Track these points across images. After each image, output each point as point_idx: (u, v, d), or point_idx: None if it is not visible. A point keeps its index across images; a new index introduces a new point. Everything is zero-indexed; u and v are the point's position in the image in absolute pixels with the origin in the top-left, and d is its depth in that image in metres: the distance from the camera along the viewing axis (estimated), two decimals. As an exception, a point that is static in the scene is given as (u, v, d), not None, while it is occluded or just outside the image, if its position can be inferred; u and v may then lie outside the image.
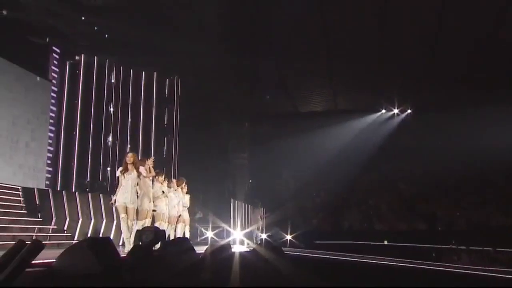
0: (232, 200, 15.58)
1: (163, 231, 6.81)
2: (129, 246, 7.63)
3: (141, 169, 8.26)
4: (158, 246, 6.01)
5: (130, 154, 8.35)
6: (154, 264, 4.57)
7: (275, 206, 19.65)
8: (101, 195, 13.11)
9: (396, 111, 22.65)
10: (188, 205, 11.02)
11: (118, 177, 8.31)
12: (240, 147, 20.32)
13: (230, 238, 11.20)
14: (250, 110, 21.21)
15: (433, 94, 19.84)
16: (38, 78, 13.25)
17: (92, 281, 3.28)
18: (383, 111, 22.78)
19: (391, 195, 21.51)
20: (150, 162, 8.77)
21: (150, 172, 8.74)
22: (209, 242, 6.01)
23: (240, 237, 13.55)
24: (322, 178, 21.71)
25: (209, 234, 13.71)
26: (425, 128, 21.47)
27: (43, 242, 5.99)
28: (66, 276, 3.32)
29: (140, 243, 5.75)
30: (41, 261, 4.50)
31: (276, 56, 17.02)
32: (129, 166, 8.19)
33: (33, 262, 3.14)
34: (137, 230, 6.59)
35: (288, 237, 17.35)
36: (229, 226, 14.18)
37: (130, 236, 7.93)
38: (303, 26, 15.14)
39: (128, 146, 16.10)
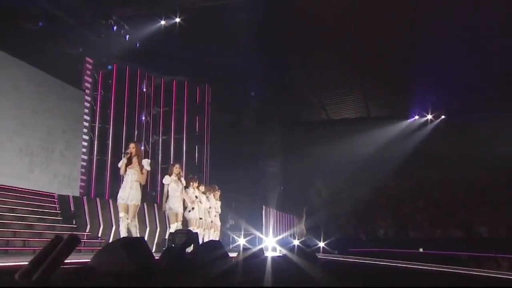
0: (263, 207, 15.51)
1: (196, 233, 6.78)
2: None
3: (144, 162, 7.59)
4: (190, 248, 5.98)
5: (132, 145, 7.65)
6: (187, 266, 4.53)
7: (308, 214, 19.47)
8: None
9: (429, 117, 22.18)
10: (219, 211, 11.03)
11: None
12: (272, 154, 20.23)
13: (262, 245, 11.10)
14: (282, 118, 21.14)
15: (468, 99, 19.38)
16: (72, 88, 13.50)
17: (125, 280, 3.26)
18: (416, 117, 22.36)
19: (426, 202, 21.07)
20: (177, 169, 8.78)
21: (179, 178, 8.76)
22: (241, 249, 5.95)
23: (272, 244, 13.47)
24: (354, 185, 21.43)
25: (241, 241, 13.67)
26: (459, 134, 20.97)
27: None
28: (100, 274, 3.32)
29: (173, 245, 5.73)
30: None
31: (307, 62, 16.94)
32: (133, 159, 7.55)
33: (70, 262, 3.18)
34: (170, 233, 6.57)
35: (321, 244, 17.17)
36: (261, 233, 14.10)
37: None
38: (334, 32, 15.02)
39: (160, 154, 16.23)
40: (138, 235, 7.10)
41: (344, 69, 17.49)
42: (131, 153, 7.50)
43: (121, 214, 7.39)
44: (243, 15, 13.83)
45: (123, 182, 7.58)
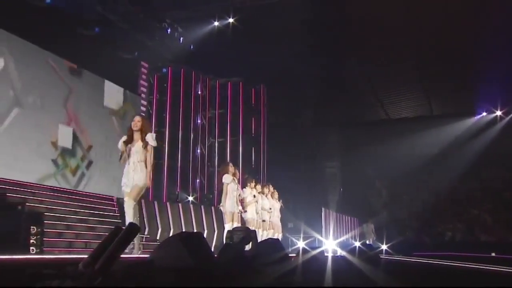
0: (323, 209, 15.15)
1: (254, 231, 6.51)
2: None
3: (148, 136, 6.34)
4: (249, 246, 5.73)
5: (138, 118, 6.52)
6: (246, 264, 4.38)
7: (368, 216, 18.94)
8: (191, 206, 13.18)
9: (499, 113, 20.87)
10: (279, 213, 10.78)
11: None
12: (330, 155, 19.79)
13: (323, 248, 10.74)
14: (339, 117, 20.66)
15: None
16: (128, 92, 13.61)
17: (183, 275, 3.26)
18: (484, 114, 21.15)
19: (495, 204, 19.95)
20: (232, 168, 8.55)
21: (235, 178, 8.53)
22: (300, 251, 5.68)
23: (332, 246, 13.10)
24: (417, 186, 20.64)
25: (300, 244, 13.34)
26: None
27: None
28: (159, 268, 3.34)
29: (231, 243, 5.50)
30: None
31: (365, 60, 16.43)
32: (135, 135, 6.35)
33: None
34: (228, 231, 6.33)
35: (384, 246, 16.55)
36: (321, 236, 13.76)
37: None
38: (393, 29, 14.44)
39: (216, 157, 16.13)
40: (135, 221, 6.12)
41: (404, 66, 16.83)
42: (132, 129, 6.38)
43: (126, 198, 6.40)
44: (297, 13, 13.58)
45: (126, 166, 6.42)
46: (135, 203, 6.29)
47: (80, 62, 11.71)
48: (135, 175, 6.22)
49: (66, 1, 10.92)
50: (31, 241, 7.32)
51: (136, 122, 6.37)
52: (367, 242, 15.41)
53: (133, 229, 2.85)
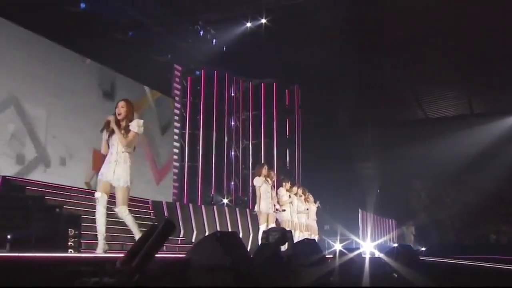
0: (360, 211, 14.87)
1: (290, 231, 6.35)
2: (103, 245, 5.47)
3: (133, 124, 5.40)
4: (285, 247, 5.59)
5: (122, 103, 5.50)
6: (281, 263, 4.30)
7: (406, 217, 18.52)
8: (226, 208, 13.11)
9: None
10: (315, 216, 10.62)
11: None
12: (366, 156, 19.44)
13: (360, 250, 10.52)
14: (376, 117, 20.27)
15: None
16: (162, 95, 13.67)
17: (219, 274, 3.28)
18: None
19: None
20: (266, 171, 8.42)
21: (268, 179, 8.40)
22: (337, 253, 5.51)
23: (370, 248, 12.81)
24: (457, 187, 20.05)
25: (337, 246, 13.12)
26: None
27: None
28: (195, 267, 3.36)
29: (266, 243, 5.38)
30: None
31: (401, 58, 16.05)
32: (121, 123, 5.42)
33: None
34: (264, 231, 6.19)
35: (422, 248, 16.14)
36: (358, 238, 13.50)
37: (103, 233, 5.48)
38: (430, 26, 14.05)
39: (251, 159, 16.04)
40: (136, 227, 5.52)
41: (443, 64, 16.35)
42: (116, 114, 5.43)
43: (97, 194, 5.42)
44: (332, 12, 13.36)
45: (107, 155, 5.53)
46: (117, 209, 5.45)
47: (115, 65, 11.81)
48: (117, 167, 5.36)
49: (100, 6, 11.03)
50: (69, 243, 7.35)
51: (120, 108, 5.44)
52: (407, 244, 15.07)
53: (169, 227, 2.82)
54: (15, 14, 9.26)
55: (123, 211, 5.42)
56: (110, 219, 9.75)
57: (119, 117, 5.41)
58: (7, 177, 8.22)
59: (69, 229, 7.41)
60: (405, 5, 13.40)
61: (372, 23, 14.38)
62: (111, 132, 5.43)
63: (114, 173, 5.37)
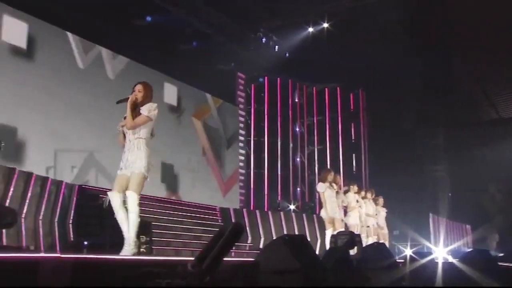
0: (430, 215, 14.36)
1: (359, 235, 6.25)
2: (130, 247, 4.79)
3: (144, 108, 4.85)
4: (354, 251, 5.51)
5: (139, 86, 4.97)
6: (350, 267, 4.24)
7: (481, 221, 17.69)
8: (293, 214, 13.07)
9: None
10: (384, 220, 10.38)
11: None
12: (436, 158, 18.75)
13: (433, 256, 10.17)
14: (445, 118, 19.56)
15: None
16: (227, 103, 13.88)
17: (289, 277, 3.29)
18: None
19: None
20: (331, 176, 8.33)
21: (333, 184, 8.30)
22: (408, 259, 5.35)
23: (443, 254, 12.33)
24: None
25: (408, 251, 12.73)
26: None
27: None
28: (264, 269, 3.39)
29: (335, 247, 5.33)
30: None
31: (472, 57, 15.45)
32: (132, 108, 4.87)
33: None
34: (332, 235, 6.12)
35: (501, 254, 15.33)
36: (430, 243, 13.03)
37: (130, 227, 4.80)
38: (500, 24, 13.43)
39: (316, 165, 15.94)
40: (127, 224, 4.85)
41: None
42: (133, 99, 4.88)
43: (109, 194, 4.90)
44: (394, 13, 13.14)
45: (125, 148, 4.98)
46: (137, 195, 4.76)
47: (180, 76, 12.12)
48: (130, 155, 4.81)
49: (165, 18, 11.38)
50: (141, 249, 7.57)
51: (137, 93, 4.92)
52: (488, 250, 14.40)
53: (238, 229, 2.84)
54: (85, 31, 9.75)
55: (130, 197, 4.72)
56: (180, 226, 10.03)
57: (134, 99, 4.90)
58: (83, 186, 8.62)
59: (141, 236, 7.65)
60: (475, 2, 12.91)
61: (439, 22, 13.99)
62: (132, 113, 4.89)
63: (127, 161, 4.81)
